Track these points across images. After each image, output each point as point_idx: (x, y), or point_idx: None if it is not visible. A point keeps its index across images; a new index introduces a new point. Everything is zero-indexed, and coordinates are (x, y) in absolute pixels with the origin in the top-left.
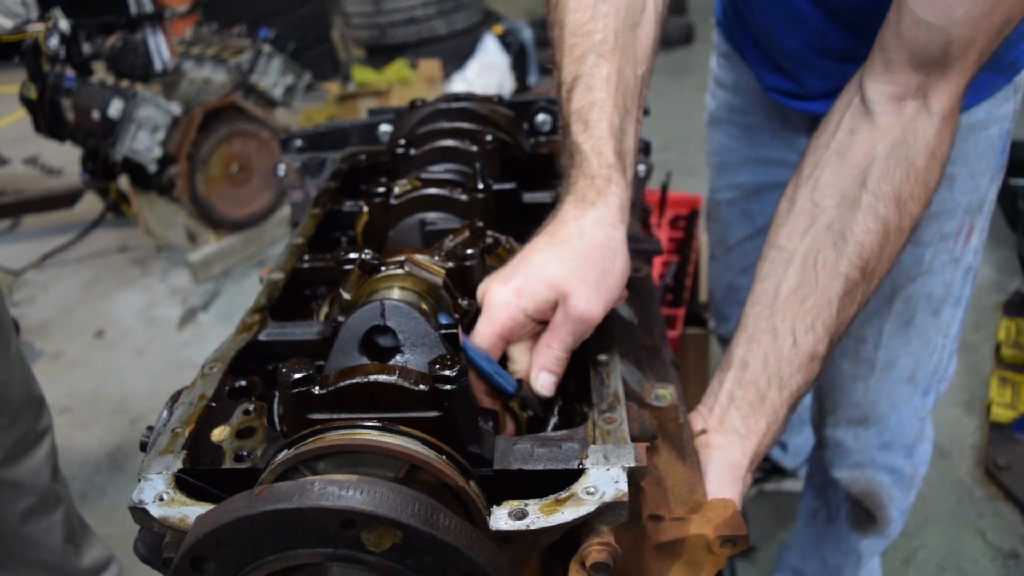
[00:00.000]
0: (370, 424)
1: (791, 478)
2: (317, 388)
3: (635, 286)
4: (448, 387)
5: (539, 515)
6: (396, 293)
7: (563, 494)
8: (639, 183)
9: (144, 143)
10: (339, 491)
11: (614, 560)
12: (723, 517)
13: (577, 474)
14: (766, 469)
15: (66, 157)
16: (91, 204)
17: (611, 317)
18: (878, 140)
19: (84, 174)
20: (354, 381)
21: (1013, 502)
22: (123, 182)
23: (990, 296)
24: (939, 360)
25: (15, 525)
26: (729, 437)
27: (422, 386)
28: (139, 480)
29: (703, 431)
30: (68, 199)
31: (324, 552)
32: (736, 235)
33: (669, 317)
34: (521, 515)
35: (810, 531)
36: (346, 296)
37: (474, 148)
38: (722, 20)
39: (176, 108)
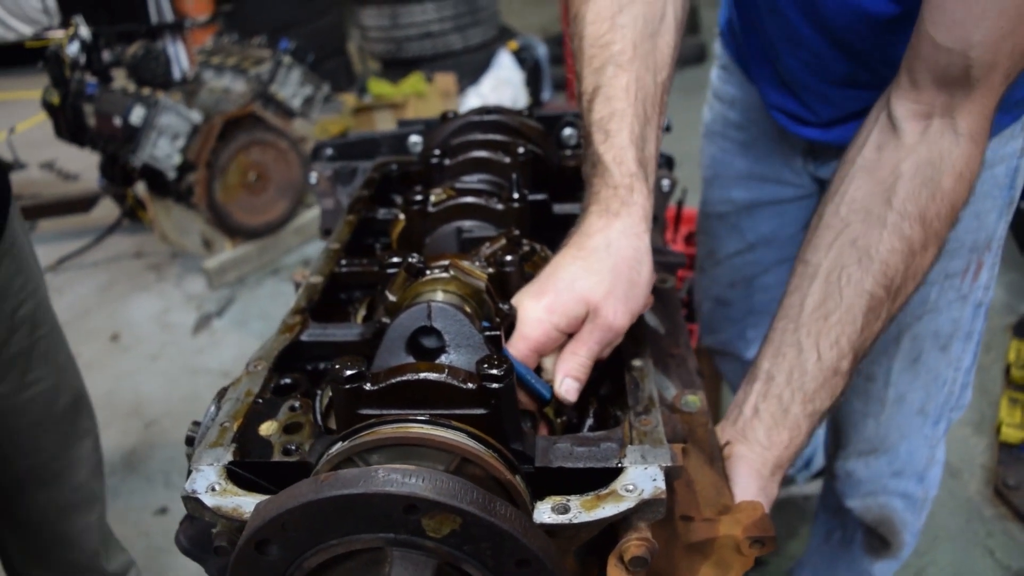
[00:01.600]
0: (421, 419)
1: (790, 483)
2: (368, 384)
3: (661, 296)
4: (495, 386)
5: (580, 510)
6: (440, 296)
7: (603, 491)
8: (662, 197)
9: (164, 150)
10: (403, 478)
11: (651, 555)
12: (752, 518)
13: (616, 472)
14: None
15: (83, 163)
16: (107, 209)
17: (643, 324)
18: (903, 158)
19: (103, 179)
20: (405, 378)
21: (1022, 522)
22: (140, 188)
23: (1000, 318)
24: (950, 392)
25: (55, 522)
26: (752, 448)
27: (470, 384)
28: (190, 471)
29: (727, 443)
30: (84, 204)
31: (385, 537)
32: (726, 249)
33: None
34: (564, 510)
35: (824, 551)
36: (392, 298)
37: (507, 159)
38: (726, 32)
39: (196, 116)
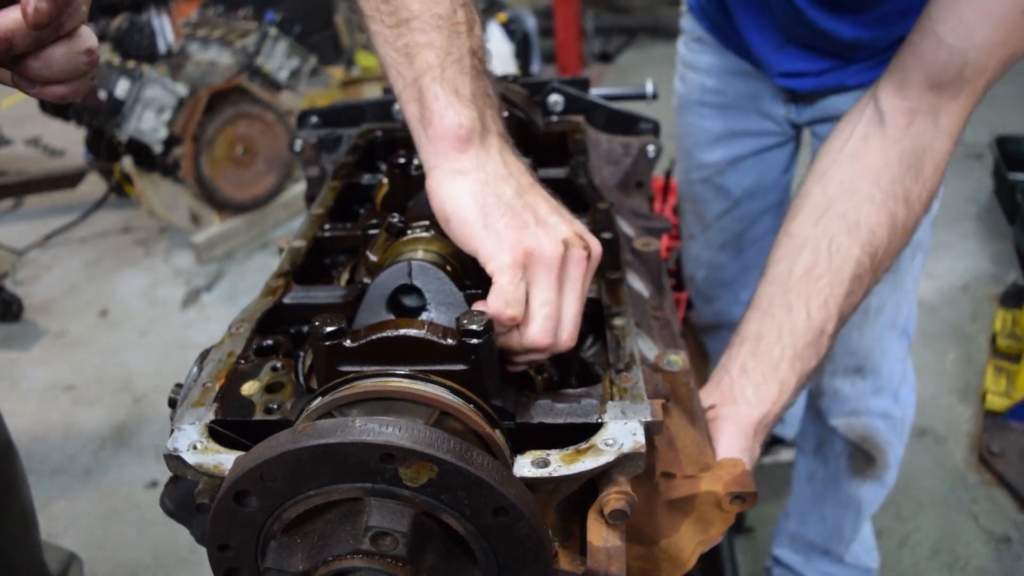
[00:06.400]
0: (401, 373)
1: (788, 447)
2: (348, 341)
3: (645, 260)
4: (475, 341)
5: (560, 464)
6: (421, 255)
7: (583, 445)
8: (648, 162)
9: (150, 123)
10: (379, 428)
11: (631, 508)
12: (733, 475)
13: (596, 428)
14: (765, 442)
15: (68, 138)
16: (94, 185)
17: (625, 285)
18: (890, 147)
19: (89, 154)
20: (384, 335)
21: (1006, 488)
22: (126, 163)
23: (987, 288)
24: (910, 303)
25: None
26: (739, 408)
27: (449, 340)
28: (172, 431)
29: (711, 407)
30: (71, 179)
31: (363, 486)
32: (714, 211)
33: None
34: (543, 463)
35: (808, 492)
36: (373, 258)
37: None
38: (696, 7)
39: (182, 89)
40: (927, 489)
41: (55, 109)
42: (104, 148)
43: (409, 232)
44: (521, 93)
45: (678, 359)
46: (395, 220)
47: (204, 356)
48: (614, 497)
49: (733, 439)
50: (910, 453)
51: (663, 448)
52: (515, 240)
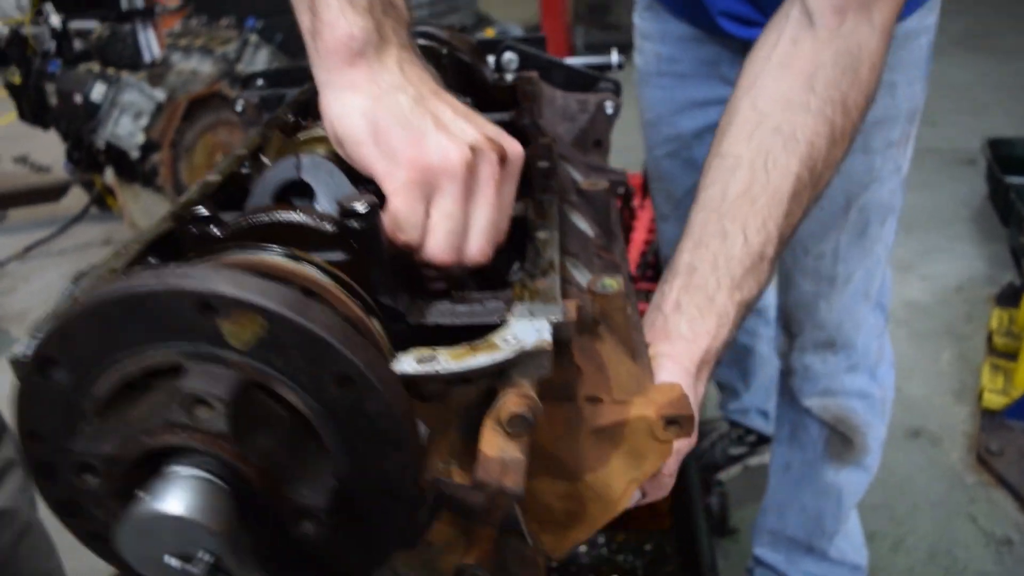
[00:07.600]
0: (276, 252)
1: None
2: (218, 229)
3: (592, 200)
4: (357, 225)
5: (449, 360)
6: (323, 153)
7: (479, 342)
8: (607, 120)
9: (127, 128)
10: (199, 273)
11: (535, 415)
12: (668, 398)
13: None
14: (751, 443)
15: (55, 155)
16: (77, 199)
17: (555, 207)
18: (822, 49)
19: (68, 164)
20: (257, 219)
21: (1006, 488)
22: (109, 175)
23: (982, 288)
24: (883, 272)
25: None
26: (675, 344)
27: (328, 225)
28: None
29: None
30: (55, 192)
31: (182, 351)
32: (683, 186)
33: (652, 291)
34: (429, 359)
35: (785, 483)
36: (266, 161)
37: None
38: None
39: (160, 95)
40: (922, 491)
41: (32, 115)
42: (84, 157)
43: (303, 134)
44: (467, 40)
45: (614, 283)
46: (288, 117)
47: (79, 278)
48: (512, 400)
49: (673, 375)
50: (904, 454)
51: (590, 371)
52: (412, 155)
